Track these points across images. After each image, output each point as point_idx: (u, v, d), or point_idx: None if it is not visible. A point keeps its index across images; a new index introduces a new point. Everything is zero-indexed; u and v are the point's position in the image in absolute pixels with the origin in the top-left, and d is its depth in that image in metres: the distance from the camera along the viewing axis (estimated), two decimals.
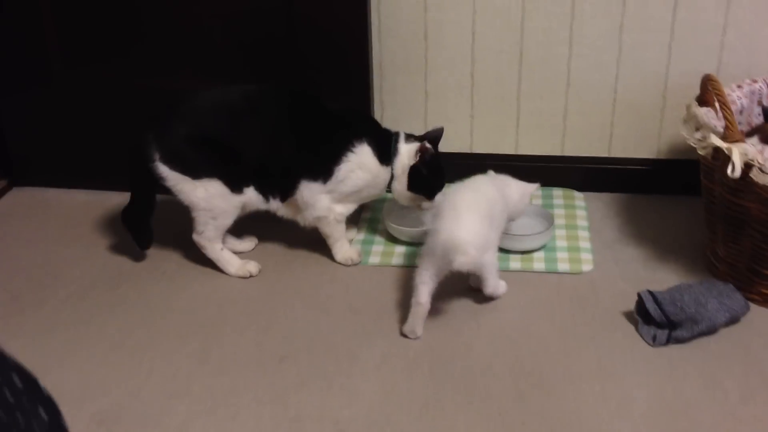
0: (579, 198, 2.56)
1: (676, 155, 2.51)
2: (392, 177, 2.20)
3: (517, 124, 2.55)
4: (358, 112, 2.29)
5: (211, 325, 2.03)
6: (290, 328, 2.01)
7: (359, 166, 2.15)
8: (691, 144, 2.01)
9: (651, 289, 1.95)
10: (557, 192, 2.59)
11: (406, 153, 2.17)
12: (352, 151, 2.14)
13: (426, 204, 2.20)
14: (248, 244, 2.36)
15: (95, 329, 2.02)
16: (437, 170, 2.17)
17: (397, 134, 2.21)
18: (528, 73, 2.47)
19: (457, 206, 1.96)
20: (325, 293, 2.15)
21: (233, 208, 2.17)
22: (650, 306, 1.92)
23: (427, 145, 2.13)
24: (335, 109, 2.19)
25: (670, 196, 2.52)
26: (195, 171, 2.10)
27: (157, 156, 2.09)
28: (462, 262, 1.87)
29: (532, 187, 2.20)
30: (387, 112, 2.59)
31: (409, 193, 2.20)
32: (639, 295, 1.95)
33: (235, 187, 2.14)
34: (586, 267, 2.21)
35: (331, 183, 2.16)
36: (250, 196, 2.17)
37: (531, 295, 2.11)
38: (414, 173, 2.17)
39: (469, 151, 2.61)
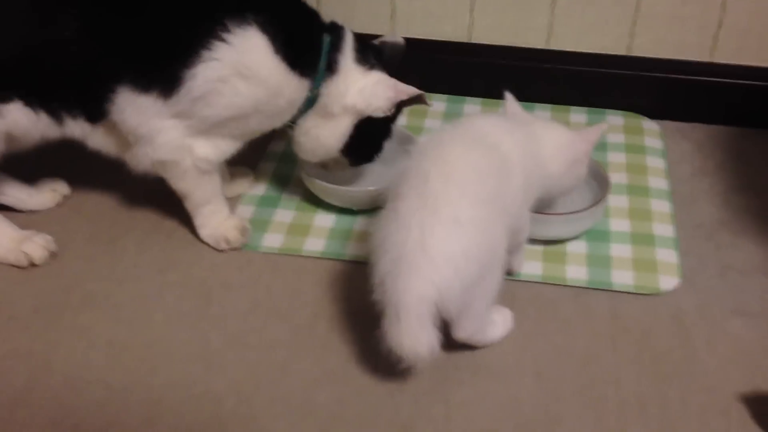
0: (652, 132, 1.58)
1: None
2: (310, 104, 1.22)
3: (553, 2, 1.57)
4: None
5: None
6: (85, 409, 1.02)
7: (236, 69, 1.12)
8: None
9: None
10: (616, 118, 1.62)
11: (369, 86, 1.22)
12: (222, 40, 1.10)
13: (343, 168, 1.35)
14: (48, 196, 1.39)
15: None
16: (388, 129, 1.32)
17: (339, 32, 1.23)
18: None
19: (430, 190, 1.00)
20: (176, 313, 1.15)
21: None
22: None
23: (427, 98, 1.24)
24: None
25: None
26: None
27: None
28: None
29: (591, 139, 1.22)
30: None
31: (333, 153, 1.30)
32: None
33: None
34: (668, 282, 1.23)
35: (181, 100, 1.13)
36: (15, 118, 1.17)
37: (559, 343, 1.12)
38: (368, 129, 1.25)
39: (466, 41, 1.67)
